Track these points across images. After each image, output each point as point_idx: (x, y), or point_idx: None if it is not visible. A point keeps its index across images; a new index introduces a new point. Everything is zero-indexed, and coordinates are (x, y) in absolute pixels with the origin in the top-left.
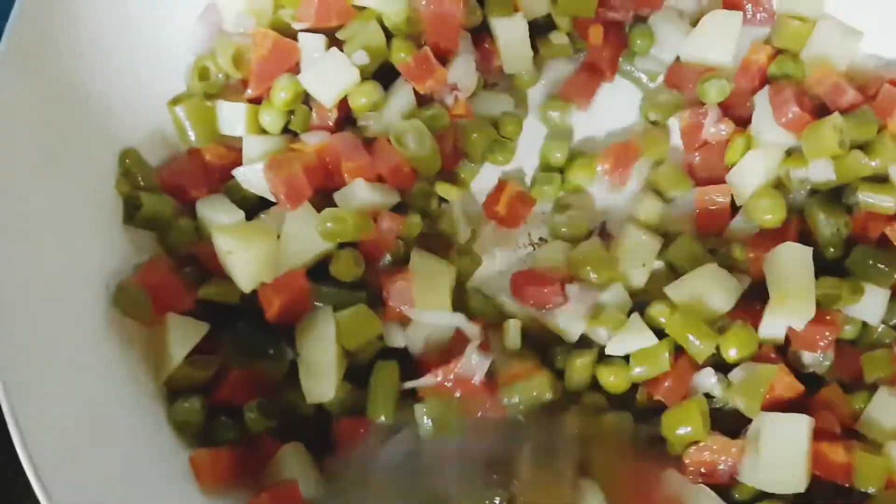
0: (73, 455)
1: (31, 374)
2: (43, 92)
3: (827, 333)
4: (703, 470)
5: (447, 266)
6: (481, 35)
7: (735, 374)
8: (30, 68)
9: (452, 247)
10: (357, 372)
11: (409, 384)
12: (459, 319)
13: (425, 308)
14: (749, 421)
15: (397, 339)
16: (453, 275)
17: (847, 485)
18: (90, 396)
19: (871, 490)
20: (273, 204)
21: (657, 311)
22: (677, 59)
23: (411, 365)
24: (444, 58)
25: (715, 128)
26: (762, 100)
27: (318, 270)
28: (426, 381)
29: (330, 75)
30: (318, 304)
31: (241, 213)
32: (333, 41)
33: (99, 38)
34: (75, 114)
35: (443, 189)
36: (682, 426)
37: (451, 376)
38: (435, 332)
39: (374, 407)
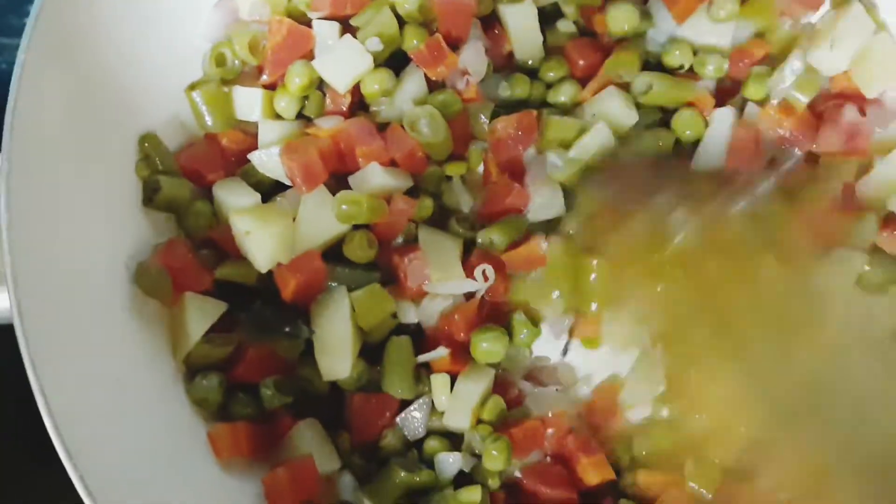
0: (99, 430)
1: (59, 351)
2: (67, 81)
3: None
4: None
5: (454, 238)
6: (490, 21)
7: None
8: (54, 59)
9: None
10: (368, 350)
11: (423, 357)
12: (474, 284)
13: (441, 280)
14: None
15: (410, 315)
16: (461, 246)
17: None
18: (113, 373)
19: None
20: (287, 188)
21: None
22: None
23: (421, 342)
24: (454, 45)
25: None
26: None
27: (332, 252)
28: (439, 353)
29: (344, 62)
30: (332, 284)
31: (258, 196)
32: (347, 28)
33: (118, 28)
34: (98, 101)
35: (452, 169)
36: None
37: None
38: (448, 305)
39: (390, 381)
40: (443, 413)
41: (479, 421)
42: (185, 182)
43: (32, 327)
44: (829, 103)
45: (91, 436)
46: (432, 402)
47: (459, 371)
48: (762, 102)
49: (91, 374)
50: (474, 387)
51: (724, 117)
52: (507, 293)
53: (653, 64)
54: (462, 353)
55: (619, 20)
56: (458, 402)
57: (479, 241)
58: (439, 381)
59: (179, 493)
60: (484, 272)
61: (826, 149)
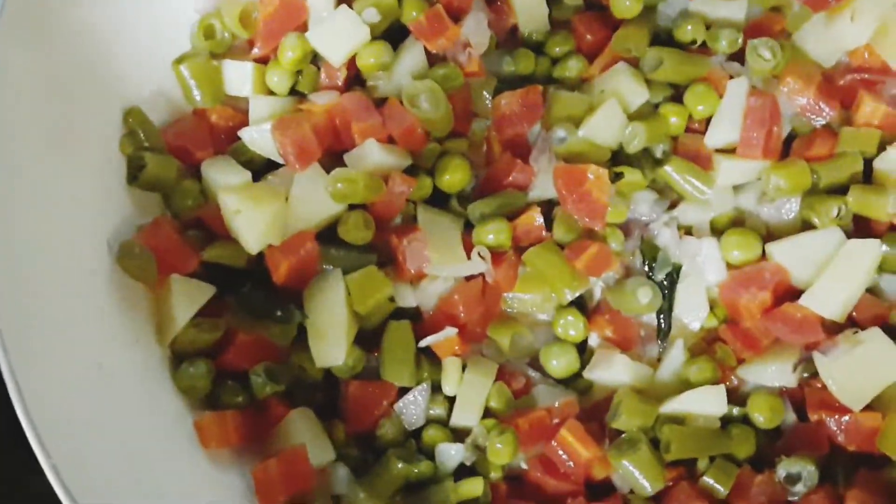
0: (75, 419)
1: (34, 336)
2: (46, 53)
3: None
4: None
5: (454, 218)
6: None
7: None
8: (32, 29)
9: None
10: (365, 336)
11: (427, 341)
12: (476, 266)
13: (441, 262)
14: None
15: (408, 299)
16: (461, 226)
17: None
18: (93, 359)
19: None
20: (280, 166)
21: None
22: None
23: (419, 327)
24: (456, 16)
25: None
26: None
27: (326, 233)
28: (447, 333)
29: (339, 33)
30: (326, 266)
31: (248, 174)
32: None
33: None
34: (76, 73)
35: (453, 145)
36: None
37: None
38: (448, 288)
39: (390, 368)
40: (443, 399)
41: (486, 410)
42: (171, 159)
43: (7, 313)
44: (851, 76)
45: (67, 424)
46: (431, 388)
47: (467, 353)
48: (776, 73)
49: (69, 359)
50: (483, 380)
51: (738, 87)
52: (514, 282)
53: (664, 38)
54: (469, 334)
55: (624, 3)
56: (466, 398)
57: (469, 214)
58: (451, 366)
59: (162, 486)
60: (480, 253)
61: (863, 120)
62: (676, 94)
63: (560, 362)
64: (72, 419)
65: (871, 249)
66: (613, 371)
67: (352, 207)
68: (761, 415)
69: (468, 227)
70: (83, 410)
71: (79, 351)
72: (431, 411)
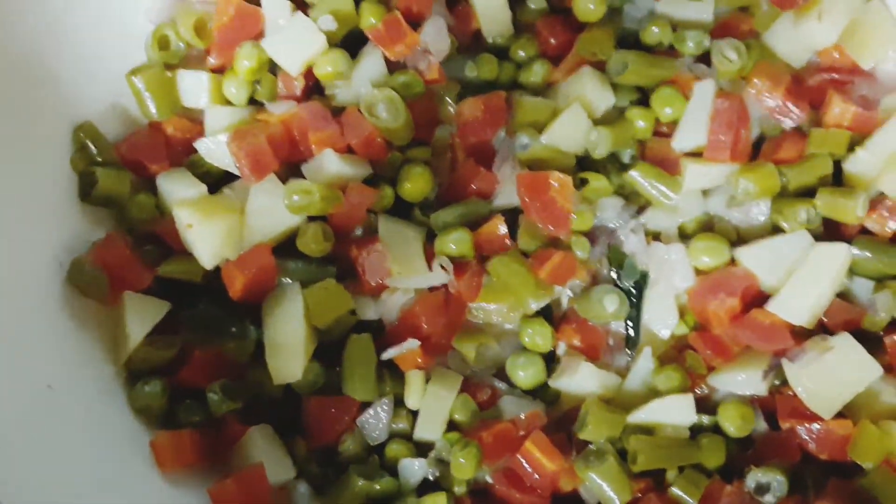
0: (22, 443)
1: None
2: None
3: None
4: None
5: (416, 229)
6: None
7: None
8: None
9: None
10: (326, 350)
11: (388, 353)
12: (438, 277)
13: (402, 275)
14: None
15: (369, 311)
16: (423, 237)
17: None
18: (42, 380)
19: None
20: (237, 178)
21: None
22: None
23: (381, 339)
24: (415, 22)
25: None
26: None
27: (285, 246)
28: (410, 345)
29: (295, 42)
30: (285, 280)
31: (204, 187)
32: (300, 6)
33: (52, 6)
34: (27, 86)
35: (415, 153)
36: None
37: None
38: (409, 299)
39: (352, 383)
40: (407, 413)
41: (451, 422)
42: (124, 174)
43: None
44: (820, 76)
45: (13, 449)
46: (395, 402)
47: (430, 365)
48: (744, 74)
49: (16, 380)
50: (446, 393)
51: (704, 89)
52: (477, 293)
53: (630, 41)
54: (433, 346)
55: (587, 5)
56: (429, 411)
57: (432, 224)
58: (414, 379)
59: None
60: (441, 264)
61: (833, 121)
62: (643, 98)
63: (527, 373)
64: (18, 443)
65: (839, 253)
66: (579, 379)
67: (311, 219)
68: (732, 424)
69: (432, 236)
70: (31, 434)
71: (27, 372)
72: (395, 426)
